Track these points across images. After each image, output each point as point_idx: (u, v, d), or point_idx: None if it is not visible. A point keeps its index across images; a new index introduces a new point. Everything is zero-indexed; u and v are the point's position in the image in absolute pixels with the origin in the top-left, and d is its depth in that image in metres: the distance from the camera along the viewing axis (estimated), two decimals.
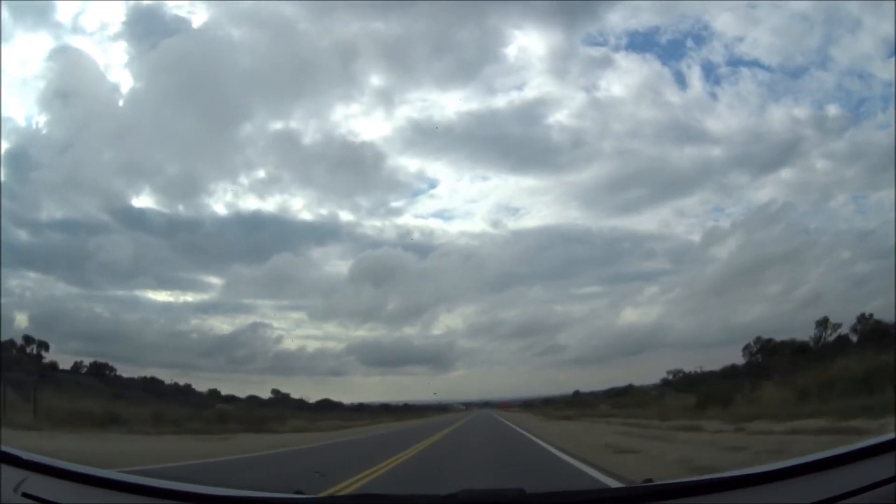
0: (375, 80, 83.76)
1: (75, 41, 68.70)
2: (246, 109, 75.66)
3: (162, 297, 66.07)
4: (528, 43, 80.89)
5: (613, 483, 6.64)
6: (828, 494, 1.82)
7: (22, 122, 56.06)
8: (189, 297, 68.18)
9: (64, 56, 52.29)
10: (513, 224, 73.61)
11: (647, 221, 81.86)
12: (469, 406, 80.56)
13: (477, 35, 68.17)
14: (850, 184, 58.07)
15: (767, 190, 68.39)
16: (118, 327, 52.12)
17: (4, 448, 2.34)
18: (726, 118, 66.60)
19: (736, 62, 66.78)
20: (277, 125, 77.52)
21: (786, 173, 66.20)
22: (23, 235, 49.46)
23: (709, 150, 69.83)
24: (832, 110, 56.46)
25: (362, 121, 76.71)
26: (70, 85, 52.20)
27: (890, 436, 1.93)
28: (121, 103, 58.96)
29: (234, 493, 2.58)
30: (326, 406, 47.56)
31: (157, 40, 55.81)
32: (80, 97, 53.47)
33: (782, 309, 55.54)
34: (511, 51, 79.00)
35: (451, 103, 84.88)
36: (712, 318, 64.71)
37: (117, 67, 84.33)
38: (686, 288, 65.06)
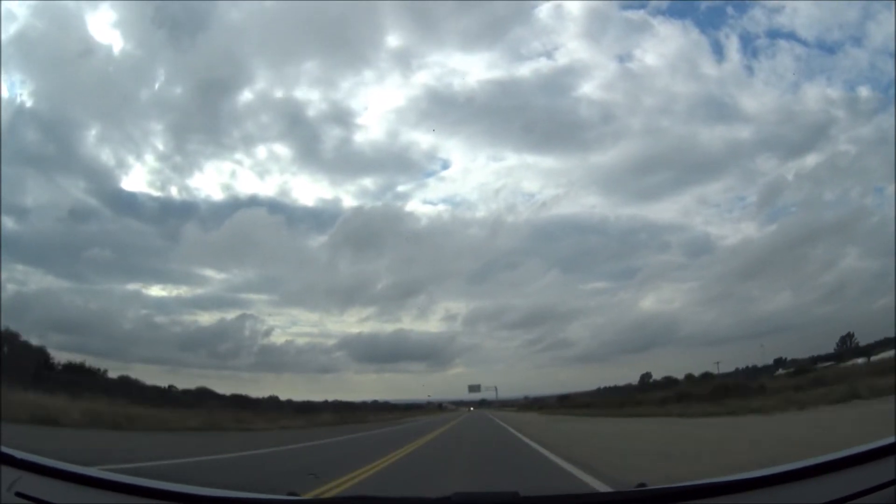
0: (392, 39, 77.91)
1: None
2: (243, 72, 71.47)
3: (153, 290, 65.52)
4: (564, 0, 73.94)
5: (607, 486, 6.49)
6: (827, 498, 1.82)
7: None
8: (174, 291, 67.30)
9: (49, 16, 49.41)
10: (527, 211, 71.18)
11: (666, 210, 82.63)
12: (458, 405, 76.13)
13: None
14: (872, 173, 56.94)
15: (791, 177, 66.88)
16: (101, 320, 51.85)
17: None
18: (760, 95, 65.22)
19: (774, 34, 64.59)
20: (279, 93, 72.41)
21: (811, 158, 64.10)
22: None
23: (739, 129, 68.74)
24: (864, 92, 55.34)
25: (375, 89, 72.00)
26: (56, 48, 49.57)
27: (890, 439, 1.92)
28: (111, 69, 56.53)
29: (227, 494, 2.57)
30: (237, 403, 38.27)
31: None
32: (66, 61, 51.03)
33: (796, 302, 54.56)
34: (544, 10, 73.47)
35: (473, 69, 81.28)
36: (723, 315, 63.52)
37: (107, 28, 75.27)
38: (701, 283, 63.66)
